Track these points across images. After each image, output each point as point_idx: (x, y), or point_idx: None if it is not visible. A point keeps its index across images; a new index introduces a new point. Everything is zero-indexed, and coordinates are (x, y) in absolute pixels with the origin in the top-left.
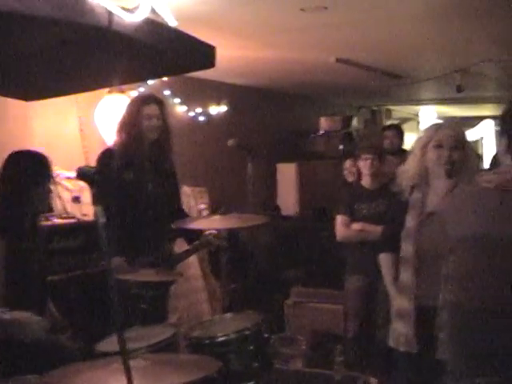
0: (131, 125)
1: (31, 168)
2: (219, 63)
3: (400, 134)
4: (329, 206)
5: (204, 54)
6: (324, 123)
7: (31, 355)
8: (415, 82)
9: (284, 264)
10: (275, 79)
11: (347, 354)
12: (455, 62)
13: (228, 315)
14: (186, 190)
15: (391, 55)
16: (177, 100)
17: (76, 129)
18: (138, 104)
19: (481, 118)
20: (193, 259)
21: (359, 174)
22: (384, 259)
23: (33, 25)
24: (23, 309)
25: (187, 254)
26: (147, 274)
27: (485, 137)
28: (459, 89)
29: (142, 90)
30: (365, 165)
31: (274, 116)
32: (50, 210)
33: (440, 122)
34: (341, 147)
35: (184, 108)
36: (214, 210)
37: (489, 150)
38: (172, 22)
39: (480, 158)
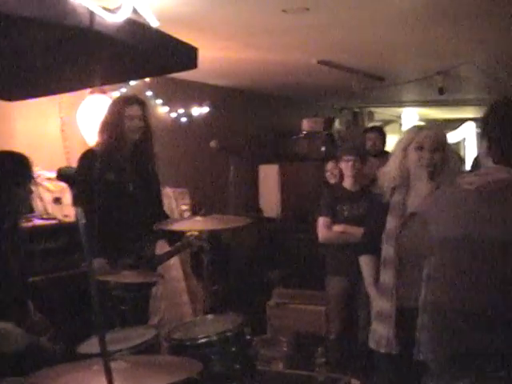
0: (113, 125)
1: (12, 169)
2: (201, 64)
3: (382, 136)
4: (311, 208)
5: (186, 55)
6: (306, 125)
7: (11, 358)
8: (397, 83)
9: (266, 265)
10: (257, 80)
11: (329, 356)
12: (437, 65)
13: (210, 317)
14: (167, 192)
15: (373, 57)
16: (159, 101)
17: (58, 129)
18: (120, 105)
19: (462, 121)
20: (174, 261)
21: (341, 176)
22: (365, 261)
23: (15, 25)
24: (3, 310)
25: (169, 255)
26: (129, 275)
27: (467, 139)
28: (441, 91)
29: (123, 90)
30: (347, 166)
31: (256, 117)
32: (31, 210)
33: (421, 124)
34: (323, 149)
35: (166, 109)
36: (195, 211)
37: (470, 152)
38: (154, 23)
39: (462, 160)
